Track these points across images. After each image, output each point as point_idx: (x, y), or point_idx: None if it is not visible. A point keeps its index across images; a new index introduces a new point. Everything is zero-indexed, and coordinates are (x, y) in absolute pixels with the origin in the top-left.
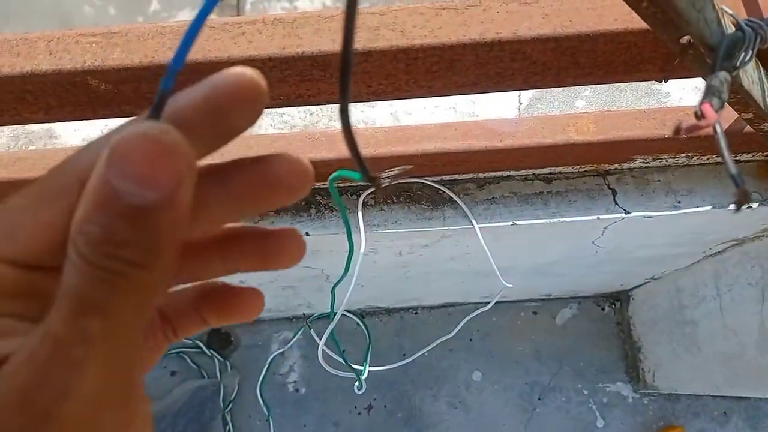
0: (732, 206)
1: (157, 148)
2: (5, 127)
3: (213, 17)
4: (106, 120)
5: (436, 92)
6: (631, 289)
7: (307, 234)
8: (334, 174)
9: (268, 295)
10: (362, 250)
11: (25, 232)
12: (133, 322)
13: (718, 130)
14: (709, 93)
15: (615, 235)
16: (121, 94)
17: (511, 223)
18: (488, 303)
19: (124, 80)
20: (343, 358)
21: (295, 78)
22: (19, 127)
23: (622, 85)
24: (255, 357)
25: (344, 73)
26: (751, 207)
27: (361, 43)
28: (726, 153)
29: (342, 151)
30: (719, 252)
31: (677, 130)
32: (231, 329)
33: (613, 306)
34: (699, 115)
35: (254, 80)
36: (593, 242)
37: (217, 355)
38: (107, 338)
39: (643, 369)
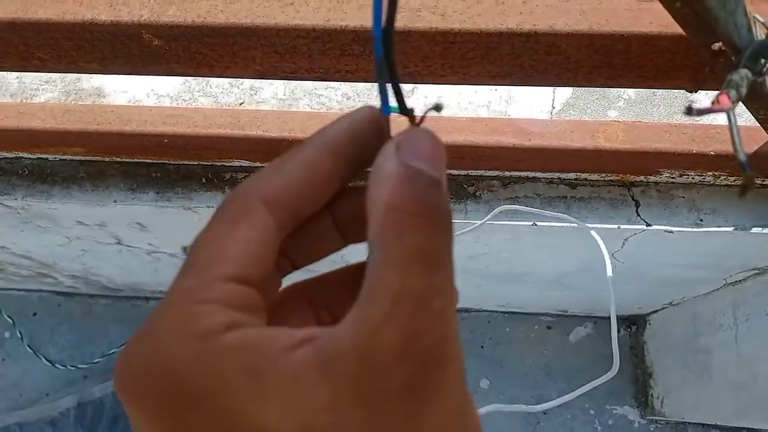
0: (740, 194)
1: (437, 141)
2: (58, 83)
3: None
4: (153, 78)
5: (470, 80)
6: (649, 314)
7: None
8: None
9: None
10: None
11: (231, 250)
12: (453, 277)
13: (731, 116)
14: (728, 85)
15: (635, 249)
16: (172, 52)
17: (531, 223)
18: (505, 311)
19: (176, 37)
20: None
21: (335, 51)
22: (71, 83)
23: (656, 99)
24: None
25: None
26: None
27: (401, 22)
28: (736, 137)
29: None
30: (739, 281)
31: (689, 110)
32: None
33: (629, 329)
34: (715, 102)
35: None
36: (612, 255)
37: None
38: (450, 290)
39: (652, 395)
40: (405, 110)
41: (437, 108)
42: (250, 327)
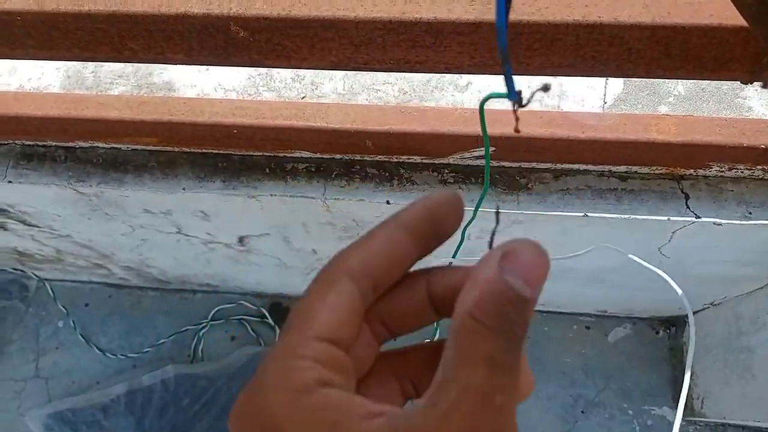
0: None
1: (542, 261)
2: (131, 77)
3: None
4: (220, 73)
5: (533, 70)
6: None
7: (387, 203)
8: (485, 96)
9: None
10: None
11: (321, 315)
12: (517, 378)
13: None
14: None
15: (682, 242)
16: (255, 43)
17: (582, 214)
18: (543, 311)
19: (261, 29)
20: None
21: (408, 43)
22: (143, 77)
23: (705, 95)
24: None
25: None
26: None
27: (472, 15)
28: None
29: (431, 126)
30: None
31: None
32: (290, 302)
33: (668, 331)
34: None
35: (458, 196)
36: (659, 249)
37: (276, 324)
38: (512, 389)
39: (691, 396)
40: (514, 93)
41: (545, 89)
42: (337, 388)
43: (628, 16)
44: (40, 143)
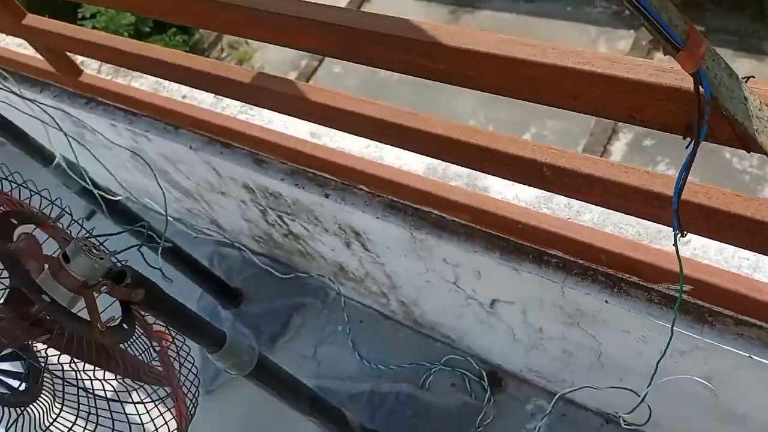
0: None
1: None
2: (464, 178)
3: None
4: (529, 188)
5: (720, 239)
6: None
7: (606, 302)
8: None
9: (548, 355)
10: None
11: None
12: None
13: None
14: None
15: None
16: (554, 180)
17: (748, 355)
18: None
19: (558, 172)
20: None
21: (640, 201)
22: (471, 180)
23: None
24: (512, 406)
25: None
26: None
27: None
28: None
29: (651, 258)
30: None
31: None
32: (505, 375)
33: None
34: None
35: None
36: None
37: (489, 388)
38: None
39: None
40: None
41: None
42: None
43: None
44: (401, 201)
